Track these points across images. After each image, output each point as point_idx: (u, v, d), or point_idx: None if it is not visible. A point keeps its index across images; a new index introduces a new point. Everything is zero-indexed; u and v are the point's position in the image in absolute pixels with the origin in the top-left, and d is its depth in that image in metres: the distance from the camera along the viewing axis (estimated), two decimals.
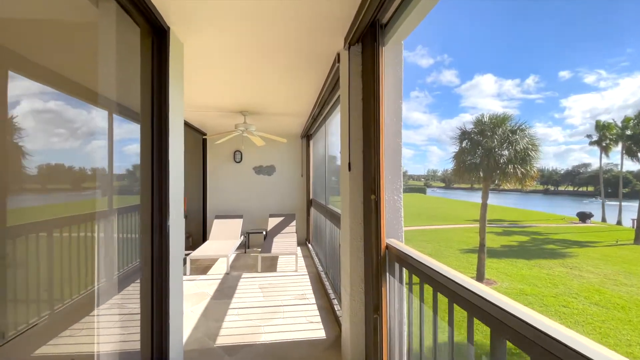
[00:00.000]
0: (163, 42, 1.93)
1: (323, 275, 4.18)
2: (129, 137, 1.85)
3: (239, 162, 6.45)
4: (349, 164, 2.05)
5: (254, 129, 4.34)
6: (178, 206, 2.08)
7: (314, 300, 3.47)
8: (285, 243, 5.33)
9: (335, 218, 3.54)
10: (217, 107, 4.11)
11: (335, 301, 3.26)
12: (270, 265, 4.96)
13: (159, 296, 1.89)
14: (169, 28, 1.94)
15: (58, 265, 1.38)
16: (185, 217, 6.01)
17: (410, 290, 1.66)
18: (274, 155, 6.57)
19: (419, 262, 1.46)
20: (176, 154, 2.06)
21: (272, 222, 6.12)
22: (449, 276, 1.21)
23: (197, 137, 6.16)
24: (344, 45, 2.11)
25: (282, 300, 3.48)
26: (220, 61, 2.60)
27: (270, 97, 3.63)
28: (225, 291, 3.80)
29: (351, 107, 2.06)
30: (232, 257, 5.39)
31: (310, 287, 3.89)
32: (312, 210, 6.01)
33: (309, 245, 6.10)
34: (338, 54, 2.33)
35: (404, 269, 1.70)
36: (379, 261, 1.83)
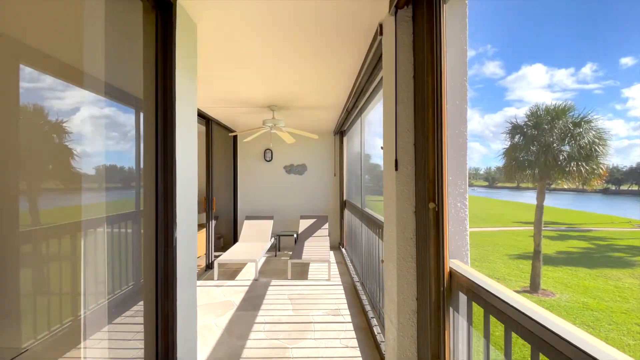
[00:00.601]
0: (168, 18, 1.62)
1: (359, 286, 3.74)
2: (129, 128, 1.56)
3: (269, 161, 6.19)
4: (396, 161, 1.60)
5: (282, 125, 4.00)
6: (189, 214, 1.76)
7: (349, 318, 3.04)
8: (318, 247, 4.95)
9: (373, 224, 3.08)
10: (244, 101, 3.83)
11: (374, 321, 2.81)
12: (302, 271, 4.61)
13: (164, 325, 1.57)
14: (174, 0, 1.62)
15: (30, 291, 1.09)
16: (216, 217, 5.87)
17: (485, 335, 1.18)
18: (305, 154, 6.23)
19: (498, 298, 0.98)
20: (187, 151, 1.74)
21: (304, 224, 5.78)
22: (554, 330, 0.73)
23: (227, 135, 5.99)
24: (389, 10, 1.66)
25: (313, 316, 3.10)
26: (242, 46, 2.26)
27: (299, 88, 3.26)
28: (252, 301, 3.50)
29: (399, 88, 1.60)
30: (261, 261, 5.13)
31: (345, 301, 3.47)
32: (346, 212, 5.58)
33: (343, 250, 5.68)
34: (380, 25, 1.88)
35: (475, 304, 1.22)
36: (439, 291, 1.36)
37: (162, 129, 1.59)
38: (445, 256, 1.35)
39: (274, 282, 4.15)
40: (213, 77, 2.94)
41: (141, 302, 1.56)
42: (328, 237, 5.54)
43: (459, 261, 1.43)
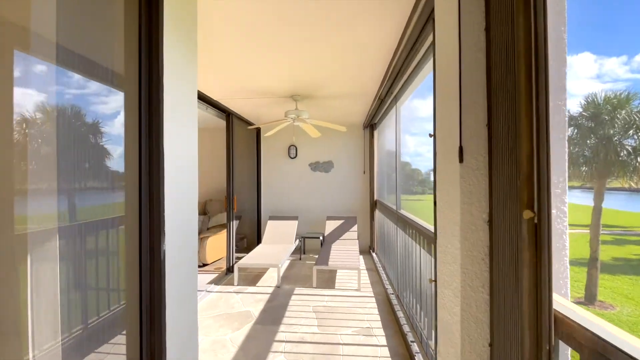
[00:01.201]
0: None
1: (394, 299, 3.27)
2: (110, 110, 1.22)
3: (293, 157, 5.84)
4: (460, 149, 1.13)
5: (306, 117, 3.61)
6: (187, 222, 1.40)
7: (384, 340, 2.59)
8: (346, 252, 4.52)
9: (413, 230, 2.60)
10: (265, 91, 3.48)
11: (414, 347, 2.34)
12: (328, 278, 4.21)
13: None
14: None
15: None
16: (239, 217, 5.61)
17: None
18: (332, 150, 5.80)
19: None
20: (181, 144, 1.38)
21: (331, 225, 5.37)
22: None
23: (249, 131, 5.71)
24: None
25: (341, 335, 2.68)
26: (257, 19, 1.88)
27: (326, 72, 2.84)
28: (273, 312, 3.15)
29: (464, 46, 1.14)
30: (284, 265, 4.79)
31: (378, 317, 3.02)
32: (377, 213, 5.09)
33: (374, 255, 5.20)
34: None
35: None
36: (536, 344, 0.89)
37: (147, 117, 1.24)
38: (547, 292, 0.87)
39: (297, 290, 3.78)
40: (231, 65, 2.60)
41: (124, 333, 1.23)
42: (357, 241, 5.10)
43: (564, 300, 0.95)
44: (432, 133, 1.52)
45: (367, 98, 3.74)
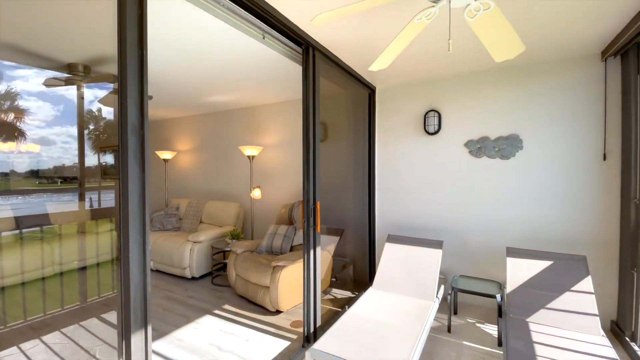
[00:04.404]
0: None
1: None
2: None
3: (434, 132, 3.23)
4: None
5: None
6: None
7: None
8: (568, 340, 1.69)
9: None
10: None
11: None
12: None
13: None
14: None
15: None
16: (340, 232, 3.47)
17: None
18: (520, 110, 2.88)
19: None
20: None
21: (518, 267, 2.54)
22: None
23: (354, 92, 3.45)
24: None
25: None
26: None
27: None
28: None
29: None
30: (418, 349, 2.28)
31: None
32: None
33: (635, 346, 2.08)
34: None
35: None
36: None
37: None
38: None
39: None
40: None
41: None
42: (596, 317, 2.11)
43: None
44: None
45: None
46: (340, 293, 3.35)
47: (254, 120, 4.59)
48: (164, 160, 5.30)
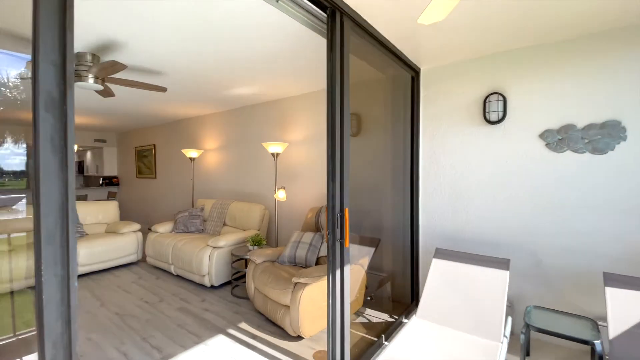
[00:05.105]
0: None
1: None
2: None
3: (496, 121, 2.56)
4: None
5: None
6: None
7: None
8: None
9: None
10: None
11: None
12: None
13: None
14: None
15: None
16: (376, 243, 2.92)
17: None
18: (622, 91, 2.13)
19: None
20: None
21: (625, 300, 1.83)
22: None
23: (394, 74, 2.87)
24: None
25: None
26: None
27: None
28: None
29: None
30: None
31: None
32: None
33: None
34: None
35: None
36: None
37: None
38: None
39: None
40: None
41: None
42: None
43: None
44: None
45: None
46: (376, 316, 2.81)
47: (279, 114, 4.18)
48: (190, 159, 5.10)
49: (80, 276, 3.98)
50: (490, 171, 2.59)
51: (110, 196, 7.49)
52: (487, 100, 2.58)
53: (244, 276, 3.67)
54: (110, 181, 7.83)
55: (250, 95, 3.99)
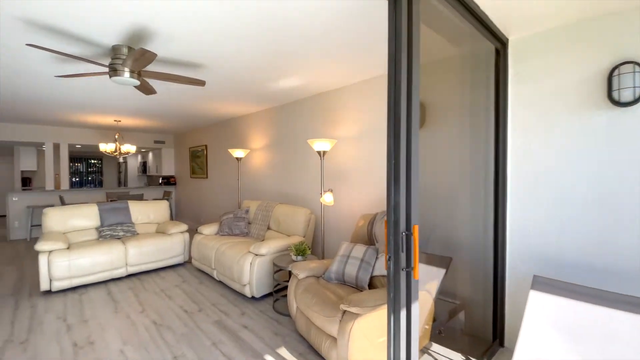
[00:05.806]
0: None
1: None
2: None
3: (630, 102, 1.80)
4: None
5: None
6: None
7: None
8: None
9: None
10: None
11: None
12: None
13: None
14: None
15: None
16: (446, 262, 2.32)
17: None
18: None
19: None
20: None
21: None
22: None
23: (472, 48, 2.24)
24: None
25: None
26: None
27: None
28: None
29: None
30: None
31: None
32: None
33: None
34: None
35: None
36: None
37: None
38: None
39: None
40: None
41: None
42: None
43: None
44: None
45: None
46: (447, 355, 2.22)
47: (327, 107, 3.76)
48: (237, 158, 4.94)
49: (128, 276, 4.00)
50: (621, 171, 1.84)
51: (166, 195, 7.80)
52: (614, 74, 1.84)
53: (286, 287, 3.32)
54: (167, 181, 8.18)
55: (296, 88, 3.63)
